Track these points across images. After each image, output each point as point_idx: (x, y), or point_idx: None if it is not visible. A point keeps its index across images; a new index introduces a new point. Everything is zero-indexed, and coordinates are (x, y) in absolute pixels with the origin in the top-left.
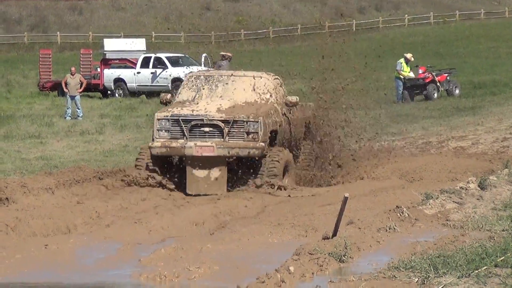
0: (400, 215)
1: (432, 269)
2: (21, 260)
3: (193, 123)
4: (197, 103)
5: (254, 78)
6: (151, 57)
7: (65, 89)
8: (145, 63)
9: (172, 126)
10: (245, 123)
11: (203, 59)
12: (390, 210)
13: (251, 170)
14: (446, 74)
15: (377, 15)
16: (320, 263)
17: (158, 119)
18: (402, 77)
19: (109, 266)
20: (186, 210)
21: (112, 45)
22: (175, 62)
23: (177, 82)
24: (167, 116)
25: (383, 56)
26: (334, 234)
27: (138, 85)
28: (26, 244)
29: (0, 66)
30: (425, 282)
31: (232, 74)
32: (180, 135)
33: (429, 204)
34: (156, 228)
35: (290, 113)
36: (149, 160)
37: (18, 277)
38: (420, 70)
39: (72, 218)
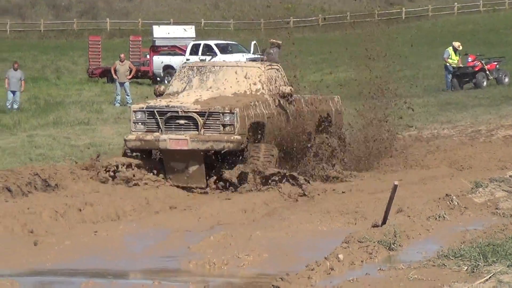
0: (450, 203)
1: (481, 257)
2: (71, 246)
3: (168, 115)
4: (180, 94)
5: (245, 68)
6: (200, 44)
7: (114, 76)
8: (194, 50)
9: (148, 118)
10: (220, 114)
11: (252, 47)
12: (439, 198)
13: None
14: (496, 63)
15: (427, 3)
16: (370, 251)
17: (134, 111)
18: (449, 65)
19: (158, 253)
20: (236, 197)
21: (161, 32)
22: (224, 49)
23: None
24: (143, 108)
25: (433, 44)
26: (384, 222)
27: None
28: (75, 230)
29: (50, 52)
30: (475, 270)
31: (225, 65)
32: (156, 127)
33: (479, 193)
34: (205, 215)
35: (290, 104)
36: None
37: (67, 263)
38: (469, 58)
39: (122, 204)
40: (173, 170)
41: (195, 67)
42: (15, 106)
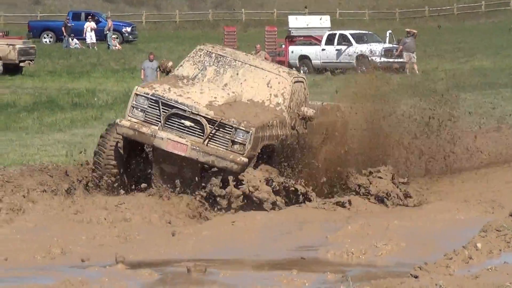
0: None
1: None
2: (208, 237)
3: (173, 111)
4: (193, 85)
5: (270, 74)
6: (336, 34)
7: None
8: (329, 40)
9: (149, 107)
10: (233, 129)
11: (388, 36)
12: None
13: None
14: None
15: None
16: (508, 239)
17: (137, 94)
18: None
19: (296, 243)
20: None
21: (297, 22)
22: (359, 39)
23: (361, 59)
24: (147, 94)
25: None
26: None
27: (322, 62)
28: (213, 221)
29: (185, 43)
30: None
31: (248, 63)
32: (156, 120)
33: None
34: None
35: (304, 127)
36: (112, 145)
37: (205, 254)
38: None
39: None
40: (162, 173)
41: (213, 54)
42: None
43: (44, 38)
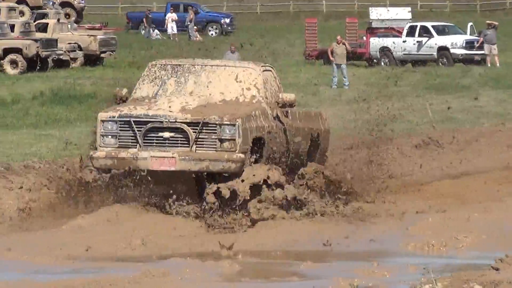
0: None
1: None
2: (291, 228)
3: (149, 126)
4: (157, 100)
5: (235, 68)
6: (417, 26)
7: (331, 58)
8: (410, 32)
9: (121, 130)
10: (218, 127)
11: (469, 28)
12: None
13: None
14: None
15: None
16: None
17: (103, 121)
18: None
19: (375, 235)
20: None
21: (379, 14)
22: (441, 31)
23: (443, 51)
24: (114, 117)
25: None
26: None
27: (403, 54)
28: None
29: (266, 35)
30: None
31: (208, 64)
32: (132, 142)
33: None
34: (427, 194)
35: (286, 116)
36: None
37: (291, 245)
38: None
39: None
40: (156, 195)
41: (169, 66)
42: None
43: (143, 29)
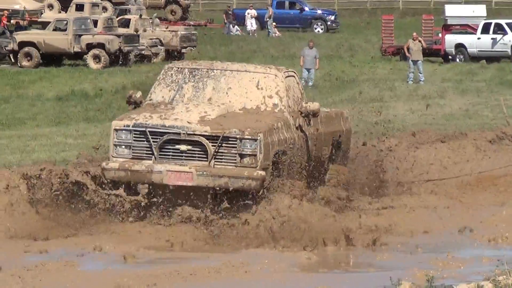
0: None
1: None
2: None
3: (165, 138)
4: (174, 108)
5: (256, 74)
6: (491, 23)
7: (407, 54)
8: (485, 29)
9: (135, 140)
10: (238, 141)
11: None
12: None
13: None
14: None
15: None
16: None
17: (116, 130)
18: None
19: (449, 227)
20: None
21: (453, 11)
22: None
23: None
24: (129, 126)
25: None
26: None
27: (478, 51)
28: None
29: (344, 31)
30: None
31: (228, 69)
32: (147, 154)
33: None
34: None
35: (308, 125)
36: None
37: None
38: None
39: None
40: (168, 209)
41: (186, 69)
42: (310, 83)
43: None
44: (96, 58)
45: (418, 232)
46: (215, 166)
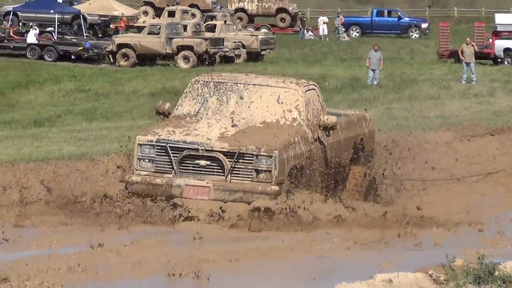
0: None
1: None
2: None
3: (185, 153)
4: (197, 122)
5: (278, 89)
6: None
7: (461, 57)
8: None
9: (157, 155)
10: (254, 157)
11: None
12: None
13: None
14: None
15: None
16: None
17: (140, 145)
18: None
19: (500, 211)
20: None
21: (502, 19)
22: None
23: None
24: (152, 141)
25: None
26: None
27: None
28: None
29: (402, 35)
30: None
31: (250, 83)
32: (169, 167)
33: None
34: None
35: (328, 135)
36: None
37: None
38: None
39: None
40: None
41: (211, 83)
42: (375, 83)
43: (352, 31)
44: (186, 58)
45: (471, 214)
46: (231, 181)
